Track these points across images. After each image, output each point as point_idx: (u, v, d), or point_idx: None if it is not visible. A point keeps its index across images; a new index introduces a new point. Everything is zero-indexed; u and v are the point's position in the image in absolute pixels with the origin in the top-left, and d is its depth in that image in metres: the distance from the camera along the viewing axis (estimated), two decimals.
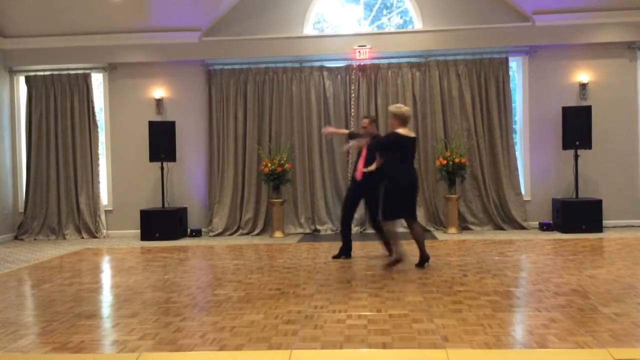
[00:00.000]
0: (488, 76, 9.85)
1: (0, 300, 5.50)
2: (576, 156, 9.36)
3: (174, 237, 9.65)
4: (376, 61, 9.98)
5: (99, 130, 10.45)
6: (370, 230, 9.81)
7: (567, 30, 9.62)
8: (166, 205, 9.99)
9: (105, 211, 10.44)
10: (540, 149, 9.89)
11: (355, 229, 9.85)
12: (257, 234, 9.99)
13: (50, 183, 10.30)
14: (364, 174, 6.86)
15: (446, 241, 8.58)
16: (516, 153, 9.92)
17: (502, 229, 9.68)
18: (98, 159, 10.37)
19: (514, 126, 10.05)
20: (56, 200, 10.30)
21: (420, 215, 9.43)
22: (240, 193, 10.16)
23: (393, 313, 4.58)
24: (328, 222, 10.02)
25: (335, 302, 4.98)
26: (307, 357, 3.66)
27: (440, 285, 5.56)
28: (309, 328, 4.24)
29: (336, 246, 7.87)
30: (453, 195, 9.47)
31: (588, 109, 9.38)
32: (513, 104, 9.97)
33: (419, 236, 6.51)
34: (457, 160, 9.30)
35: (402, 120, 6.34)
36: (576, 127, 9.27)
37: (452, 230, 9.44)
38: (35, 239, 10.19)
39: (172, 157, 9.91)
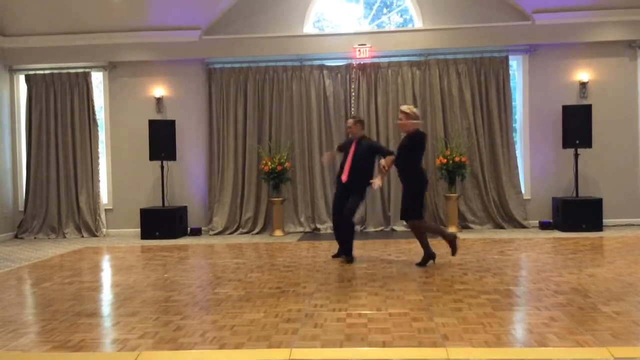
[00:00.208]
0: (488, 75, 9.84)
1: (0, 298, 5.50)
2: (576, 155, 9.36)
3: (174, 235, 9.65)
4: (376, 60, 9.98)
5: (99, 129, 10.45)
6: (371, 229, 9.86)
7: (567, 28, 9.61)
8: (166, 203, 9.99)
9: (105, 210, 10.45)
10: (541, 147, 9.89)
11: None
12: (257, 233, 9.99)
13: (51, 182, 10.30)
14: (352, 176, 6.75)
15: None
16: (516, 152, 9.92)
17: (502, 227, 9.68)
18: (98, 157, 10.37)
19: (514, 125, 10.04)
20: (56, 199, 10.30)
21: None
22: (240, 192, 10.16)
23: (393, 312, 4.58)
24: (328, 220, 10.00)
25: (335, 301, 4.98)
26: (307, 355, 3.67)
27: (441, 284, 5.56)
28: (309, 327, 4.24)
29: (336, 244, 7.87)
30: (453, 194, 9.47)
31: (588, 108, 9.38)
32: (513, 103, 9.96)
33: (426, 234, 6.62)
34: (457, 159, 9.30)
35: (416, 119, 6.53)
36: (576, 126, 9.26)
37: (452, 229, 9.43)
38: (35, 238, 10.20)
39: (172, 155, 9.91)
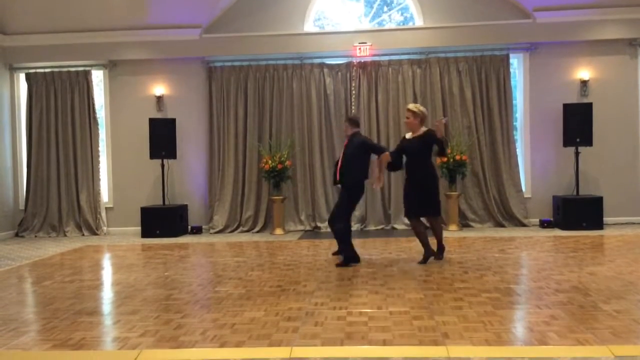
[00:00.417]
0: (489, 73, 9.83)
1: (1, 297, 5.50)
2: (577, 153, 9.35)
3: (174, 234, 9.65)
4: (377, 58, 9.97)
5: (100, 127, 10.45)
6: (371, 228, 9.86)
7: (568, 27, 9.60)
8: (167, 202, 9.99)
9: (106, 208, 10.45)
10: (541, 146, 9.88)
11: (355, 227, 9.86)
12: (258, 231, 9.99)
13: (51, 180, 10.30)
14: (342, 174, 6.66)
15: (447, 238, 8.54)
16: (517, 150, 9.92)
17: (502, 226, 9.68)
18: (98, 156, 10.37)
19: (514, 123, 10.04)
20: (57, 197, 10.30)
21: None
22: (240, 190, 10.16)
23: (394, 310, 4.58)
24: None
25: (335, 299, 4.98)
26: (307, 354, 3.67)
27: (441, 282, 5.56)
28: (309, 325, 4.24)
29: (336, 243, 7.87)
30: (454, 193, 9.47)
31: (589, 106, 9.37)
32: (514, 101, 9.96)
33: (425, 233, 6.73)
34: (457, 157, 9.30)
35: (424, 118, 6.64)
36: (577, 124, 9.25)
37: (453, 227, 9.44)
38: (35, 236, 10.20)
39: (172, 154, 9.90)
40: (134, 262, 7.37)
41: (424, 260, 6.55)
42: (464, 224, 9.74)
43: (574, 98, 9.72)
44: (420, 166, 6.53)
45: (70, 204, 10.31)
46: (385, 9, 10.55)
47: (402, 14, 10.50)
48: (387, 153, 6.62)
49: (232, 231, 10.06)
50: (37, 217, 10.30)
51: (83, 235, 10.19)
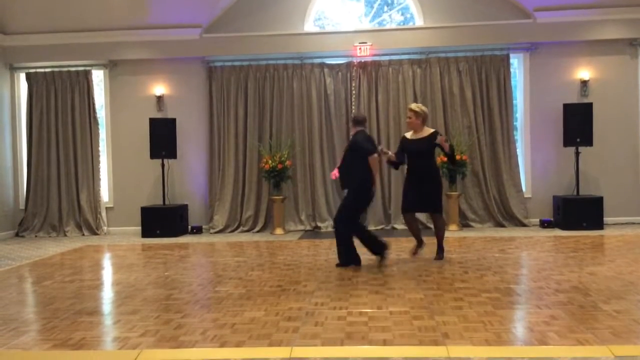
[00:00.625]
0: (489, 73, 9.83)
1: (1, 297, 5.50)
2: (577, 153, 9.35)
3: (174, 234, 9.65)
4: (377, 58, 9.97)
5: (100, 127, 10.45)
6: (371, 227, 9.84)
7: (568, 27, 9.60)
8: (167, 202, 9.99)
9: (106, 208, 10.45)
10: (541, 146, 9.88)
11: None
12: (258, 231, 9.99)
13: (51, 180, 10.30)
14: (339, 173, 6.60)
15: (447, 238, 8.52)
16: (517, 150, 9.92)
17: (502, 226, 9.67)
18: (99, 156, 10.38)
19: (514, 123, 10.03)
20: (57, 197, 10.30)
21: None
22: (240, 190, 10.16)
23: (394, 310, 4.58)
24: (329, 219, 10.01)
25: (336, 299, 4.98)
26: (307, 354, 3.67)
27: (441, 282, 5.56)
28: (309, 325, 4.24)
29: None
30: (454, 193, 9.47)
31: (589, 106, 9.37)
32: (514, 101, 9.96)
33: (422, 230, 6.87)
34: (457, 157, 9.25)
35: (425, 118, 6.75)
36: (577, 124, 9.25)
37: (453, 227, 9.44)
38: (36, 236, 10.20)
39: (172, 154, 9.91)
40: (134, 261, 7.37)
41: (415, 250, 6.78)
42: (464, 224, 9.74)
43: (574, 98, 9.72)
44: (424, 165, 6.59)
45: (71, 204, 10.31)
46: (386, 8, 10.55)
47: (402, 14, 10.50)
48: (375, 156, 6.29)
49: (233, 231, 10.06)
50: (37, 216, 10.30)
51: (83, 235, 10.19)
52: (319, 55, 10.10)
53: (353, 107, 9.98)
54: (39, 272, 6.76)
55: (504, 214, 9.81)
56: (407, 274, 5.97)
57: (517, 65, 10.15)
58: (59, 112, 10.33)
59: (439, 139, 6.53)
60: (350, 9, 10.56)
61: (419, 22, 10.07)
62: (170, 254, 7.85)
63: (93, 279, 6.37)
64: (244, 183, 10.16)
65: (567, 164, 9.63)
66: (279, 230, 9.69)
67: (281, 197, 9.70)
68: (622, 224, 9.57)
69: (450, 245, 7.75)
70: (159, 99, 10.30)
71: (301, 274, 6.17)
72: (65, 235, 10.18)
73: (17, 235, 10.35)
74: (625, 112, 9.72)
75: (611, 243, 7.84)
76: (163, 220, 9.68)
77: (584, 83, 9.75)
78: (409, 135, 6.81)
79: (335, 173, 6.87)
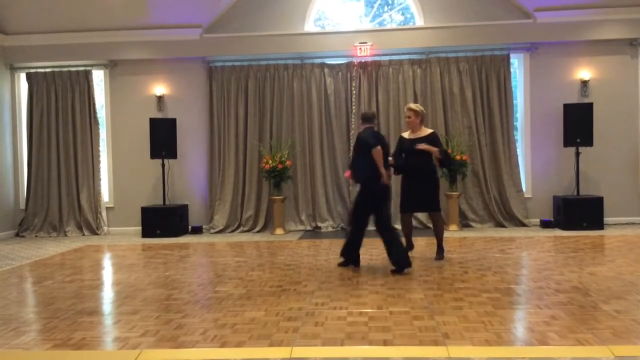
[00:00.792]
0: (489, 73, 9.83)
1: (1, 297, 5.51)
2: (577, 153, 9.35)
3: (174, 234, 9.65)
4: (377, 58, 9.97)
5: (100, 127, 10.45)
6: (371, 228, 9.82)
7: (568, 27, 9.60)
8: (167, 202, 9.99)
9: (106, 208, 10.45)
10: (542, 146, 9.88)
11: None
12: (258, 231, 9.99)
13: (52, 180, 10.31)
14: (355, 173, 6.50)
15: (447, 238, 8.55)
16: (517, 150, 9.92)
17: (503, 226, 9.67)
18: (99, 155, 10.38)
19: (515, 123, 10.03)
20: (57, 197, 10.31)
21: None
22: (241, 190, 10.16)
23: (394, 310, 4.58)
24: (329, 219, 10.02)
25: (336, 299, 4.98)
26: (308, 354, 3.67)
27: (441, 282, 5.57)
28: (309, 325, 4.25)
29: (337, 243, 7.88)
30: (454, 193, 9.47)
31: (589, 106, 9.37)
32: (514, 101, 9.96)
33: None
34: (458, 157, 9.29)
35: (424, 119, 6.87)
36: (577, 124, 9.25)
37: (453, 227, 9.44)
38: (36, 236, 10.20)
39: (173, 154, 9.91)
40: (135, 262, 7.37)
41: (440, 256, 6.87)
42: (465, 224, 9.74)
43: (574, 98, 9.72)
44: (421, 164, 6.62)
45: (71, 204, 10.32)
46: (386, 8, 10.55)
47: (402, 14, 10.50)
48: (377, 149, 6.07)
49: (233, 231, 10.06)
50: (37, 216, 10.30)
51: (83, 235, 10.19)
52: (319, 56, 10.10)
53: (353, 107, 9.98)
54: (39, 272, 6.76)
55: (504, 214, 9.81)
56: (407, 274, 5.96)
57: (518, 65, 10.15)
58: (59, 112, 10.33)
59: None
60: (350, 9, 10.55)
61: (419, 22, 10.07)
62: (171, 254, 7.85)
63: (93, 279, 6.37)
64: (244, 183, 10.16)
65: (568, 164, 9.63)
66: (279, 231, 9.69)
67: (281, 197, 9.70)
68: (623, 224, 9.57)
69: (451, 245, 7.76)
70: (160, 99, 10.30)
71: (301, 274, 6.17)
72: (66, 235, 10.18)
73: (17, 235, 10.35)
74: (625, 112, 9.72)
75: (611, 243, 7.84)
76: (163, 220, 9.68)
77: (584, 83, 9.75)
78: (406, 135, 6.82)
79: (348, 173, 6.84)
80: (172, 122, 9.98)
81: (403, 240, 6.62)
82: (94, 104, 10.34)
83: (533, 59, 9.90)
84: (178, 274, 6.43)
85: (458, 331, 3.99)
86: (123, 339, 4.08)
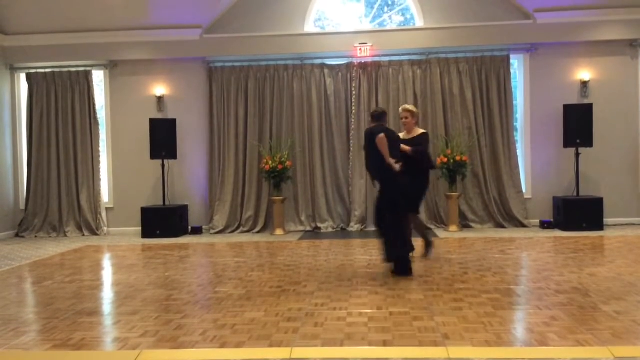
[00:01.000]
0: (489, 74, 9.84)
1: (1, 297, 5.51)
2: (577, 154, 9.35)
3: (174, 234, 9.65)
4: (377, 59, 9.97)
5: (100, 127, 10.45)
6: (371, 228, 9.85)
7: (568, 27, 9.60)
8: (167, 202, 9.99)
9: (106, 208, 10.45)
10: (542, 146, 9.88)
11: (355, 227, 9.88)
12: (258, 232, 9.99)
13: (51, 180, 10.30)
14: (371, 170, 6.44)
15: (447, 239, 8.58)
16: (517, 151, 9.92)
17: (503, 226, 9.67)
18: (99, 156, 10.38)
19: (515, 124, 10.03)
20: (57, 197, 10.31)
21: (421, 212, 9.41)
22: (241, 191, 10.16)
23: (394, 311, 4.58)
24: (329, 219, 10.02)
25: (336, 300, 4.98)
26: (307, 354, 3.67)
27: (441, 283, 5.56)
28: (309, 326, 4.25)
29: (337, 243, 7.90)
30: (454, 193, 9.47)
31: (589, 107, 9.37)
32: (514, 102, 9.96)
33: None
34: (458, 158, 9.30)
35: (419, 120, 7.03)
36: (577, 125, 9.26)
37: (453, 228, 9.44)
38: (36, 236, 10.20)
39: (173, 154, 9.91)
40: (135, 262, 7.37)
41: (427, 252, 6.98)
42: (464, 224, 9.74)
43: (574, 99, 9.72)
44: (415, 164, 6.57)
45: (71, 204, 10.31)
46: (386, 9, 10.55)
47: (402, 15, 10.50)
48: (380, 136, 5.90)
49: (233, 231, 10.06)
50: (37, 217, 10.30)
51: (83, 235, 10.19)
52: (319, 56, 10.10)
53: (353, 108, 9.98)
54: (39, 273, 6.76)
55: (504, 215, 9.81)
56: (407, 275, 5.95)
57: (518, 66, 10.16)
58: (59, 112, 10.33)
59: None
60: (350, 10, 10.55)
61: (419, 23, 10.07)
62: (171, 255, 7.85)
63: (93, 280, 6.37)
64: (244, 183, 10.16)
65: (567, 165, 9.63)
66: (279, 231, 9.69)
67: (281, 197, 9.70)
68: (622, 224, 9.58)
69: (451, 246, 7.76)
70: (159, 99, 10.30)
71: (301, 274, 6.17)
72: (66, 236, 10.18)
73: (17, 235, 10.35)
74: (625, 113, 9.72)
75: (611, 244, 7.84)
76: (163, 221, 9.68)
77: (584, 84, 9.75)
78: (401, 135, 6.83)
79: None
80: (172, 123, 9.98)
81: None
82: (94, 105, 10.34)
83: (533, 59, 9.90)
84: (178, 274, 6.43)
85: (458, 332, 3.99)
86: (123, 339, 4.08)
